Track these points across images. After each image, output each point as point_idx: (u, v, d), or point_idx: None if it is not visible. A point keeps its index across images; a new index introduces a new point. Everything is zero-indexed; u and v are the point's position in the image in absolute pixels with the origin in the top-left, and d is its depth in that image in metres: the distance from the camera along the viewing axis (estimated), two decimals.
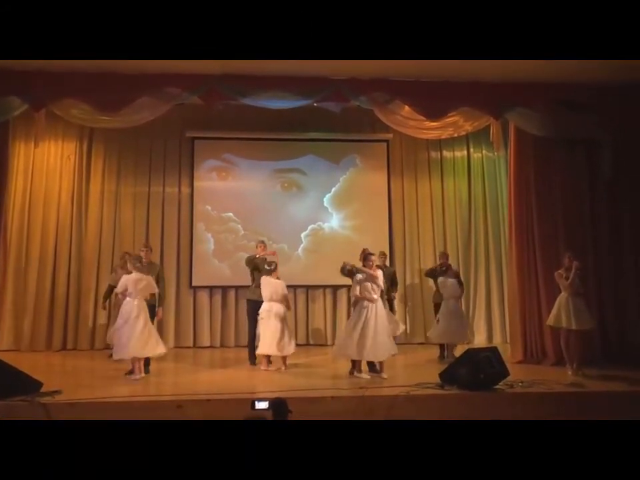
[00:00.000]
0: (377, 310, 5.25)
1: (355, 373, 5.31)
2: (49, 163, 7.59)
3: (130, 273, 5.32)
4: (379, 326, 5.21)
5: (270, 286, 5.77)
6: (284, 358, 5.73)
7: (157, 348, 5.28)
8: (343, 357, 5.47)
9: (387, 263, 7.15)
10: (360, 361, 5.33)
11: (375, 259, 5.65)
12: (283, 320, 5.74)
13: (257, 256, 6.16)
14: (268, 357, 5.72)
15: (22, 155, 7.45)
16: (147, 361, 5.49)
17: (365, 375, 5.28)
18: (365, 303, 5.24)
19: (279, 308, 5.74)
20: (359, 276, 5.35)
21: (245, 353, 6.20)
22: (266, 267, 5.85)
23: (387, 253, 7.44)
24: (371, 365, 5.43)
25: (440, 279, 6.47)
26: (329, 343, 7.74)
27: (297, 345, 7.29)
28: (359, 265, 5.76)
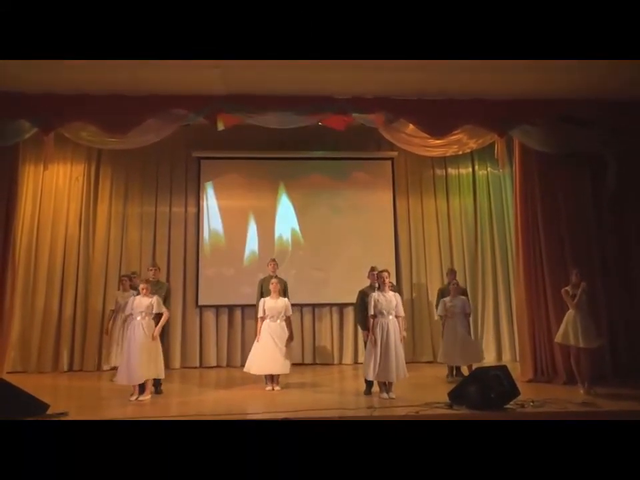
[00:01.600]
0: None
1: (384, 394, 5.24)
2: (57, 185, 7.68)
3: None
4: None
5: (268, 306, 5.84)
6: (275, 377, 5.75)
7: (151, 372, 5.26)
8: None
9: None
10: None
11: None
12: (277, 339, 5.73)
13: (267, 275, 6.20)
14: (270, 376, 5.73)
15: (31, 177, 7.56)
16: (158, 381, 5.48)
17: (388, 395, 5.21)
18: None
19: (275, 327, 5.75)
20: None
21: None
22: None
23: (394, 271, 7.42)
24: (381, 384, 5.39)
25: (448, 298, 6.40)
26: (335, 361, 7.69)
27: (303, 364, 7.32)
28: (367, 282, 5.78)
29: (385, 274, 5.43)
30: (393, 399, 5.10)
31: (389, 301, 5.29)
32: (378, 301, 5.28)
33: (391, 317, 5.26)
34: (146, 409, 4.83)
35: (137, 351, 5.10)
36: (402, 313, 5.39)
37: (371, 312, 5.29)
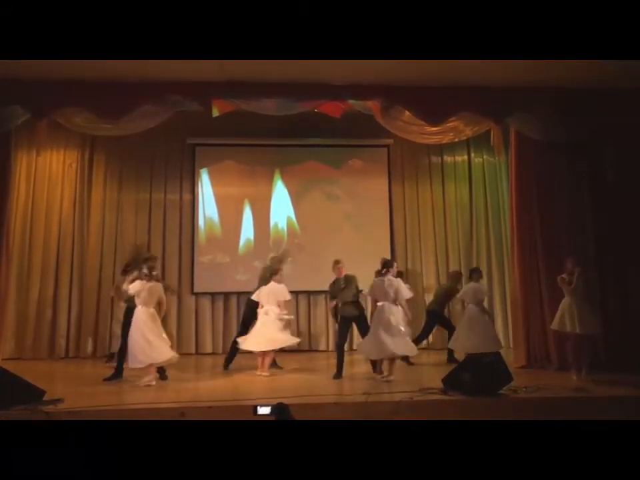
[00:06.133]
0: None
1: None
2: (51, 171, 7.62)
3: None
4: None
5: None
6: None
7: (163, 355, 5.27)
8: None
9: None
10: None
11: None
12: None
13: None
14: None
15: (24, 163, 7.48)
16: (162, 367, 5.51)
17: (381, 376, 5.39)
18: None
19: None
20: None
21: (247, 359, 6.19)
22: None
23: (389, 257, 7.44)
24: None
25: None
26: (331, 348, 7.73)
27: (299, 350, 7.35)
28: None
29: (394, 263, 5.69)
30: (388, 379, 5.27)
31: (392, 287, 5.44)
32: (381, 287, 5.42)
33: (389, 301, 5.40)
34: (142, 395, 4.84)
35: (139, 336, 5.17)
36: (403, 297, 5.56)
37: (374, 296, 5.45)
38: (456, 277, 6.90)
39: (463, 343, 6.12)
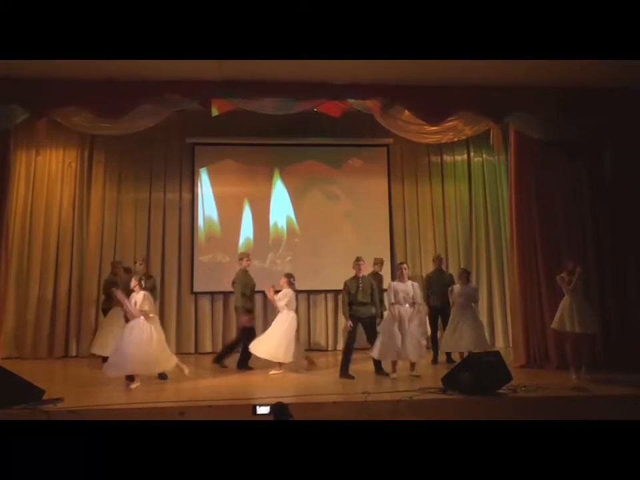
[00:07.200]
0: None
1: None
2: (50, 170, 7.61)
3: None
4: None
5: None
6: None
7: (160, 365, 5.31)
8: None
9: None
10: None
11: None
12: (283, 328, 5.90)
13: None
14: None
15: (23, 162, 7.47)
16: None
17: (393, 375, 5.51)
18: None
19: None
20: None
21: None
22: None
23: (389, 257, 7.46)
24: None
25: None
26: (330, 348, 7.74)
27: None
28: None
29: (404, 265, 5.74)
30: (394, 378, 5.40)
31: (407, 290, 5.53)
32: (397, 290, 5.50)
33: (407, 305, 5.52)
34: (142, 394, 4.85)
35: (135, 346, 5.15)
36: (419, 300, 5.69)
37: (392, 300, 5.53)
38: (439, 261, 6.95)
39: (457, 342, 6.14)
